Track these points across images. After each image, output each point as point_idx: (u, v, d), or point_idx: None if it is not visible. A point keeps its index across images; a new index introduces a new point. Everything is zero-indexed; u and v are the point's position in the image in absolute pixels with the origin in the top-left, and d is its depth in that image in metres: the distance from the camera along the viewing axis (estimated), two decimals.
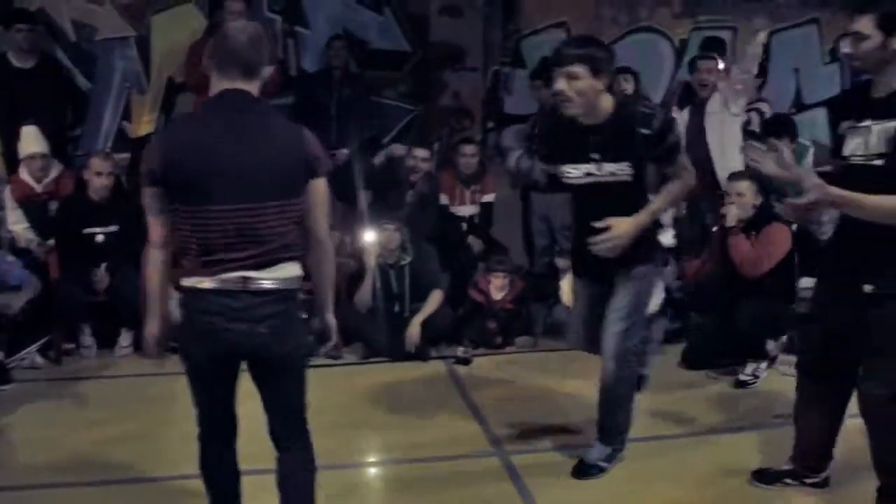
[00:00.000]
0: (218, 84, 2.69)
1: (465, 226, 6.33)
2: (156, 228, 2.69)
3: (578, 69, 3.31)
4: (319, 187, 2.79)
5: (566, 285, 5.71)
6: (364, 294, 5.47)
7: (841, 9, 7.78)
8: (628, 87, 6.27)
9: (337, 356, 5.41)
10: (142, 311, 5.30)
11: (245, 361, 2.78)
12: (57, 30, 6.79)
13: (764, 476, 3.64)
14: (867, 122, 3.00)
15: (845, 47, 3.04)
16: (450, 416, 4.53)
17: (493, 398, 4.75)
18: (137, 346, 5.46)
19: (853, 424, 3.37)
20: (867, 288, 3.02)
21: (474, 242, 6.33)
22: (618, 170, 3.46)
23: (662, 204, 3.57)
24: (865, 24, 2.92)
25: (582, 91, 3.34)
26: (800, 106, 7.83)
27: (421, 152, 6.15)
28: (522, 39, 7.54)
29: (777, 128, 5.69)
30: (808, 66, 7.96)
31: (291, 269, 2.77)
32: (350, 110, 6.56)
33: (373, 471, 4.10)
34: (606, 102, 3.42)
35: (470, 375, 5.16)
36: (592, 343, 3.80)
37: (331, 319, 3.10)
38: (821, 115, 7.93)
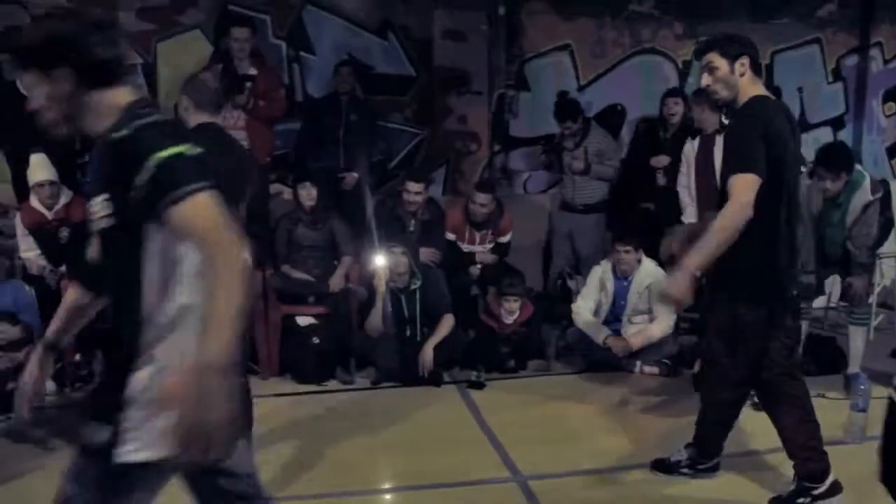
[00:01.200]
0: (197, 118, 3.80)
1: (476, 269, 6.28)
2: None
3: None
4: None
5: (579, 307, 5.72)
6: (375, 319, 5.44)
7: (842, 28, 7.88)
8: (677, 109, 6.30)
9: (349, 381, 5.38)
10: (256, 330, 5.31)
11: None
12: None
13: (662, 465, 3.98)
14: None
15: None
16: (464, 440, 4.50)
17: (507, 422, 4.72)
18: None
19: None
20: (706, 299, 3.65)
21: (484, 258, 6.29)
22: None
23: None
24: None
25: None
26: (804, 125, 7.85)
27: (414, 186, 6.01)
28: (526, 62, 7.57)
29: (835, 161, 5.14)
30: (811, 85, 8.00)
31: None
32: (357, 135, 6.57)
33: (387, 497, 4.07)
34: None
35: (483, 399, 5.13)
36: None
37: None
38: (825, 134, 7.98)
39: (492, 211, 6.20)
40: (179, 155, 1.93)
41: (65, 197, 5.77)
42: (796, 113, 7.79)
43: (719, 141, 5.53)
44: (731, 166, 3.37)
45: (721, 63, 3.37)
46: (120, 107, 2.06)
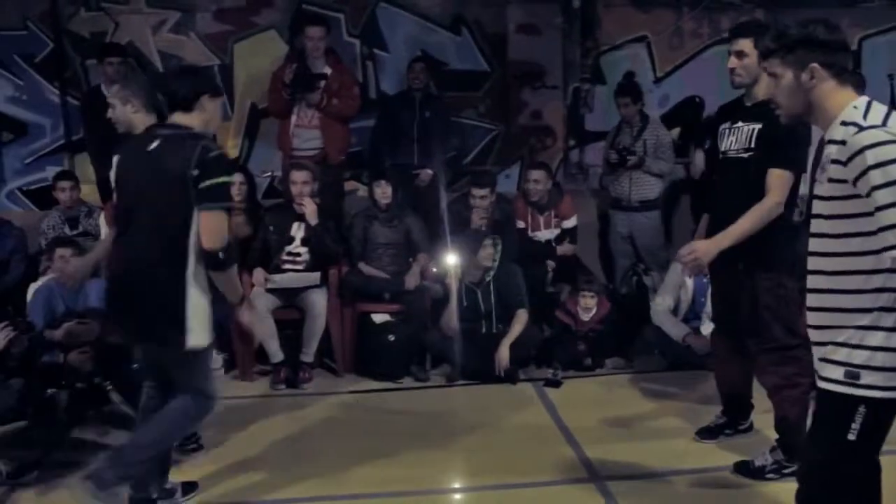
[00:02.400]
0: (147, 119, 3.68)
1: (552, 264, 6.15)
2: None
3: None
4: None
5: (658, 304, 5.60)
6: (450, 317, 5.42)
7: None
8: None
9: (424, 378, 5.38)
10: (233, 333, 5.42)
11: None
12: (145, 61, 6.99)
13: (706, 433, 4.28)
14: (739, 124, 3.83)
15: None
16: (541, 439, 4.45)
17: (585, 421, 4.64)
18: (228, 367, 5.55)
19: None
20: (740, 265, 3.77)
21: (564, 250, 6.20)
22: None
23: None
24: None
25: None
26: None
27: (479, 191, 5.93)
28: (602, 55, 7.44)
29: None
30: None
31: None
32: (431, 131, 6.56)
33: (465, 496, 4.04)
34: None
35: (561, 398, 5.06)
36: None
37: None
38: None
39: (549, 189, 6.16)
40: None
41: None
42: (886, 101, 7.43)
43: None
44: (777, 159, 3.64)
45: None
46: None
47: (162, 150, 3.27)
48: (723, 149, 3.93)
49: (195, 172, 3.16)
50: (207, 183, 3.17)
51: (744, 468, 3.87)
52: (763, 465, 3.84)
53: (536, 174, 6.17)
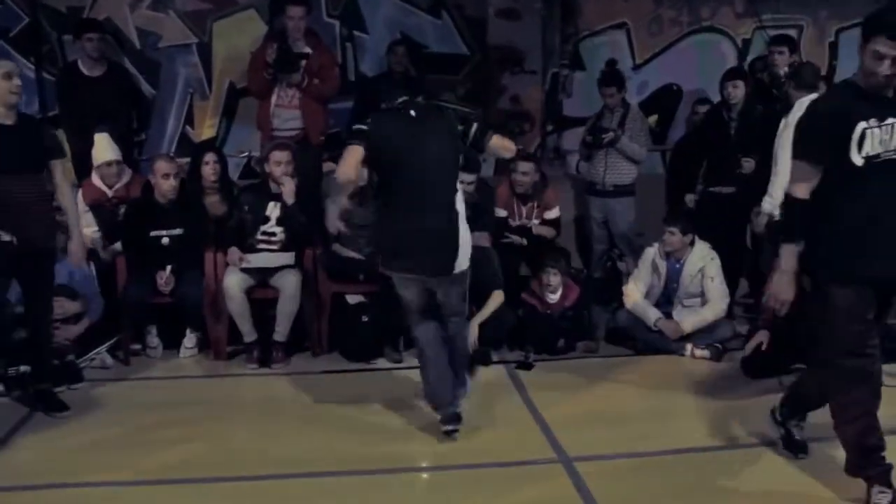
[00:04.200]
0: None
1: (522, 241, 6.15)
2: None
3: None
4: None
5: (630, 289, 5.66)
6: None
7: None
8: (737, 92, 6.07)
9: (398, 359, 5.41)
10: (206, 312, 5.44)
11: None
12: (123, 38, 6.94)
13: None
14: (891, 121, 3.26)
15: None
16: (511, 420, 4.50)
17: (554, 403, 4.69)
18: (202, 346, 5.56)
19: None
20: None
21: (540, 230, 6.21)
22: None
23: None
24: None
25: None
26: None
27: (466, 177, 5.87)
28: (581, 41, 7.48)
29: None
30: None
31: None
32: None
33: (434, 475, 4.08)
34: None
35: (531, 380, 5.11)
36: None
37: None
38: None
39: (535, 181, 6.17)
40: None
41: (126, 176, 5.90)
42: None
43: (782, 124, 5.41)
44: None
45: None
46: None
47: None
48: (871, 152, 3.27)
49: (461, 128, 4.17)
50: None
51: None
52: None
53: (525, 166, 6.14)
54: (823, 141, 3.30)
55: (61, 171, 4.50)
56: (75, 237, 4.52)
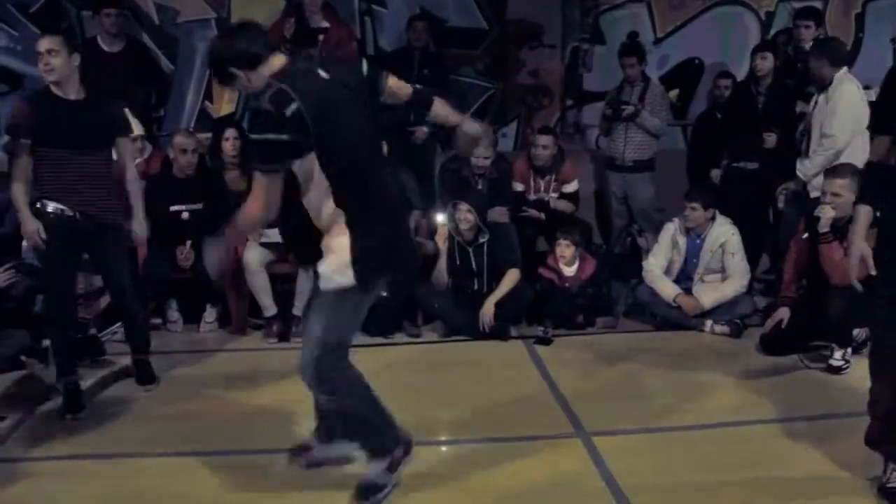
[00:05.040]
0: None
1: (541, 215, 6.17)
2: None
3: None
4: None
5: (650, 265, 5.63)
6: (440, 273, 5.47)
7: None
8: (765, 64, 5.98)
9: (416, 334, 5.42)
10: (226, 287, 5.46)
11: None
12: (142, 14, 6.94)
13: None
14: None
15: None
16: (529, 395, 4.50)
17: (573, 378, 4.70)
18: (222, 321, 5.60)
19: None
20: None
21: (557, 204, 6.22)
22: None
23: None
24: None
25: None
26: None
27: (483, 151, 5.91)
28: (601, 15, 7.40)
29: None
30: None
31: None
32: (428, 89, 6.51)
33: (452, 448, 4.10)
34: None
35: (550, 355, 5.11)
36: None
37: None
38: None
39: (553, 154, 6.15)
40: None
41: (146, 151, 5.93)
42: (887, 67, 7.41)
43: (822, 99, 5.35)
44: None
45: None
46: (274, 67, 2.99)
47: None
48: None
49: None
50: None
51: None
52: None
53: (544, 139, 6.15)
54: None
55: (126, 148, 4.44)
56: (137, 218, 4.46)
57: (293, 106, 2.80)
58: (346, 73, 3.14)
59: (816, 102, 5.40)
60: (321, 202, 3.05)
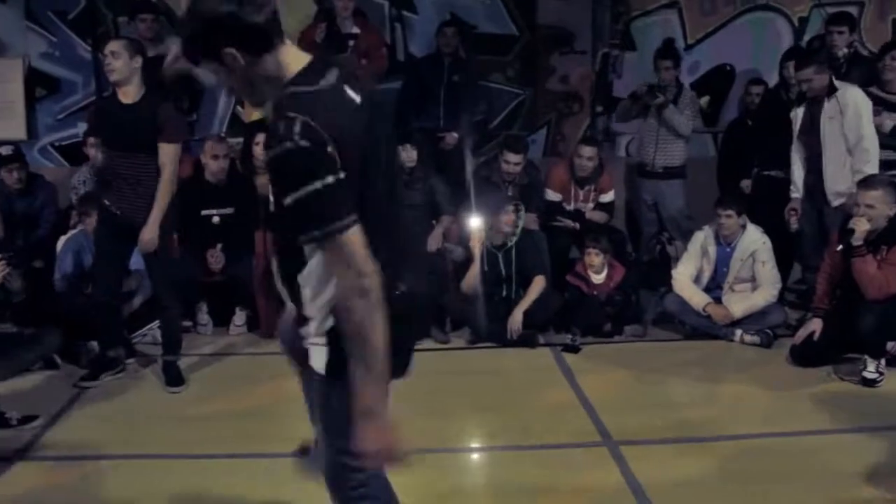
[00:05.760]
0: None
1: (575, 225, 6.16)
2: None
3: None
4: None
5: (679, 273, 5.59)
6: (472, 278, 5.47)
7: None
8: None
9: (445, 340, 5.43)
10: (255, 290, 5.51)
11: None
12: (176, 19, 7.02)
13: None
14: None
15: None
16: (557, 404, 4.49)
17: (600, 387, 4.68)
18: (251, 325, 5.64)
19: None
20: None
21: (593, 215, 6.20)
22: None
23: None
24: None
25: None
26: None
27: (513, 157, 5.98)
28: (632, 21, 7.37)
29: None
30: None
31: None
32: (458, 95, 6.56)
33: (478, 455, 4.11)
34: None
35: (578, 363, 5.09)
36: None
37: None
38: None
39: (595, 166, 6.15)
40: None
41: None
42: None
43: (827, 106, 5.29)
44: None
45: None
46: (288, 66, 2.00)
47: None
48: None
49: None
50: None
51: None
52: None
53: (589, 150, 6.13)
54: None
55: (165, 153, 4.43)
56: (150, 222, 4.44)
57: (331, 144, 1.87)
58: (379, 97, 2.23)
59: (818, 112, 5.30)
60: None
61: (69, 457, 3.86)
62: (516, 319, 5.31)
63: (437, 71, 6.59)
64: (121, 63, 4.30)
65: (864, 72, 5.83)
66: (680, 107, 6.32)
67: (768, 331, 5.35)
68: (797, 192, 5.49)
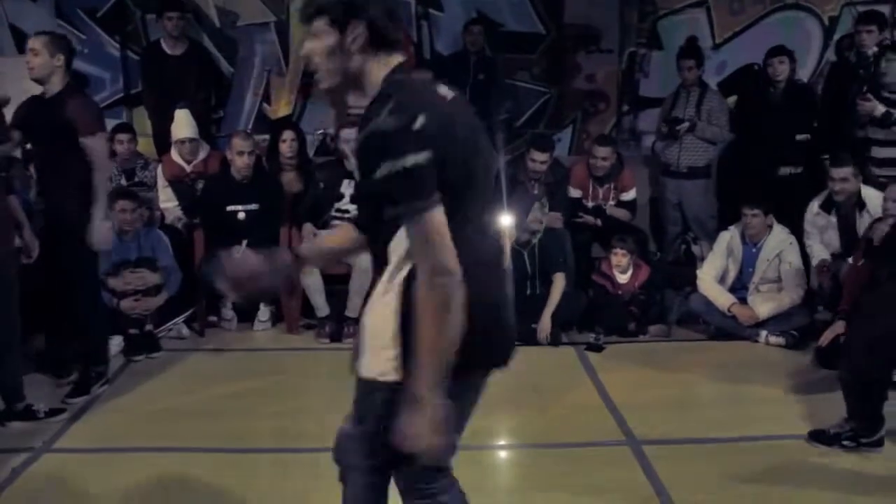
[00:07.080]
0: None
1: (597, 221, 6.16)
2: None
3: None
4: None
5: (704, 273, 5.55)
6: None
7: None
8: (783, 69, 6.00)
9: None
10: (280, 287, 5.52)
11: None
12: (203, 17, 7.08)
13: (821, 437, 3.81)
14: None
15: None
16: (579, 402, 4.48)
17: (624, 386, 4.66)
18: (276, 320, 5.68)
19: None
20: None
21: (614, 212, 6.19)
22: None
23: None
24: None
25: None
26: None
27: (540, 156, 5.99)
28: (659, 20, 7.32)
29: None
30: None
31: None
32: (484, 93, 6.54)
33: (500, 453, 4.10)
34: None
35: (601, 362, 5.08)
36: None
37: None
38: None
39: (612, 164, 6.13)
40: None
41: (203, 152, 6.04)
42: None
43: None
44: None
45: None
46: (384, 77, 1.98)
47: None
48: None
49: None
50: None
51: (819, 436, 3.85)
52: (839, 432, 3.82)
53: (603, 151, 6.11)
54: None
55: (90, 146, 4.17)
56: (93, 223, 4.20)
57: (421, 119, 1.85)
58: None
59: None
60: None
61: (95, 449, 3.90)
62: (545, 325, 5.28)
63: (463, 69, 6.59)
64: (39, 60, 4.12)
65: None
66: (706, 110, 6.26)
67: (793, 332, 5.30)
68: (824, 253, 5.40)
